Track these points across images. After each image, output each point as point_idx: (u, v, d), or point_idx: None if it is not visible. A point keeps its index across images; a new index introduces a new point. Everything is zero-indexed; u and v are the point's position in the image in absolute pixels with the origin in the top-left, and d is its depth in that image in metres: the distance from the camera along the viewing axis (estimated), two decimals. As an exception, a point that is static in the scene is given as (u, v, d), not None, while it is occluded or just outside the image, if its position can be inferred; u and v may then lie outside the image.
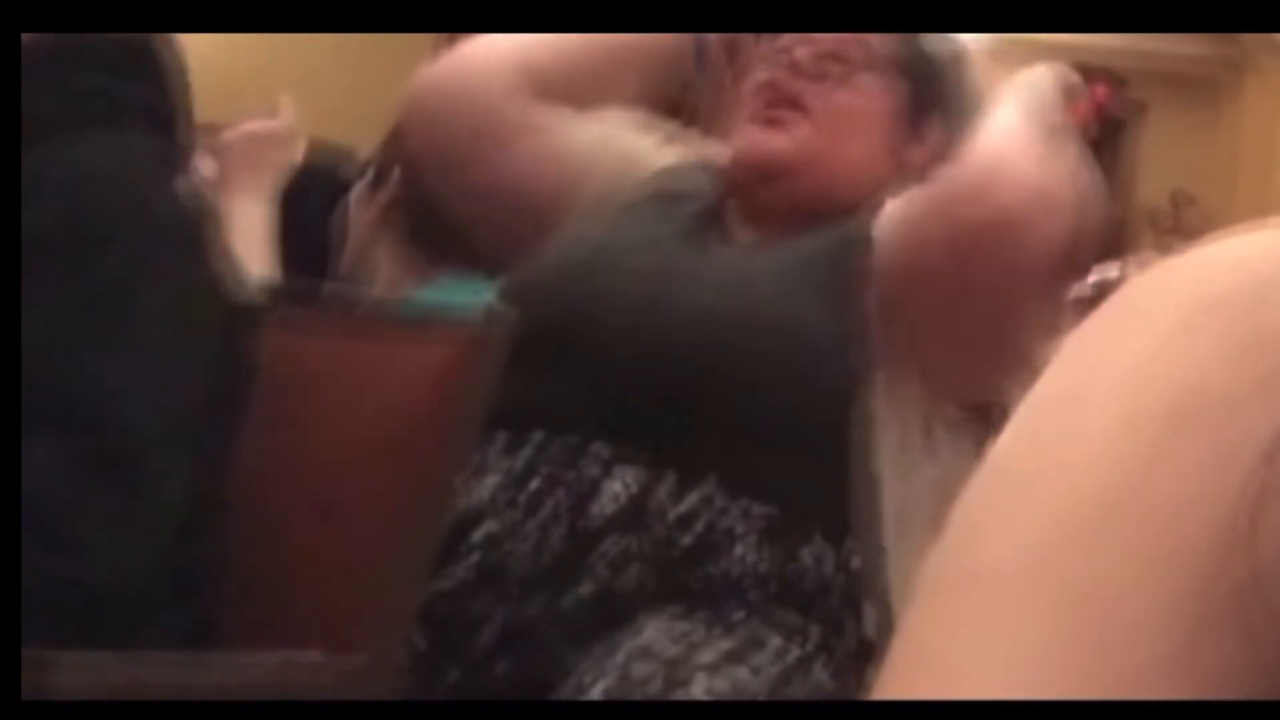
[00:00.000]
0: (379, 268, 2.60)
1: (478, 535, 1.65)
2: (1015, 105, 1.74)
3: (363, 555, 1.61)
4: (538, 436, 1.67)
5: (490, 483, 1.66)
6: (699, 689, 1.55)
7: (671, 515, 1.62)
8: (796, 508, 1.65)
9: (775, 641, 1.62)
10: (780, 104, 1.80)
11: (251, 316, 1.65)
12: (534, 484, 1.65)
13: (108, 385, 1.49)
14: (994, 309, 1.68)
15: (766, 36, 1.86)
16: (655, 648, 1.57)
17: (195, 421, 1.55)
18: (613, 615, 1.61)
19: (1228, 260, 0.44)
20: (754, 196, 1.81)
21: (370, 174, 2.65)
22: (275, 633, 1.58)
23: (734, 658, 1.58)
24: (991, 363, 1.68)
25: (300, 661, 1.53)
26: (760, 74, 1.83)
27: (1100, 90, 12.26)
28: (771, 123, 1.80)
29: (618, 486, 1.63)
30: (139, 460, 1.49)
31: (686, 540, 1.61)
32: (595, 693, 1.55)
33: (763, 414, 1.66)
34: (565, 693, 1.57)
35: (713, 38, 1.91)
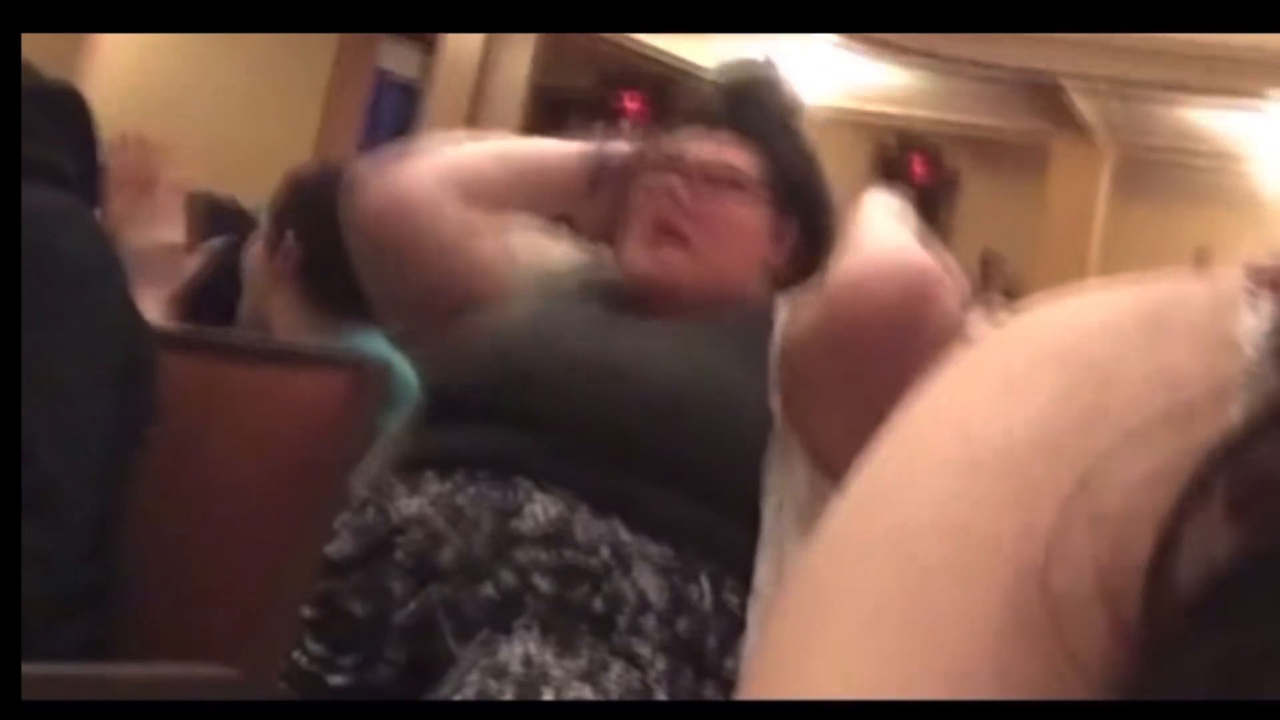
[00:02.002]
0: (276, 320, 2.66)
1: (403, 539, 1.78)
2: (881, 213, 1.96)
3: (250, 573, 1.69)
4: (464, 471, 1.83)
5: (420, 501, 1.80)
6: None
7: (582, 538, 1.78)
8: (689, 549, 1.80)
9: (618, 667, 1.75)
10: (662, 233, 2.05)
11: (153, 356, 1.76)
12: (461, 499, 1.79)
13: (21, 423, 1.55)
14: (886, 393, 1.78)
15: (650, 164, 2.09)
16: (509, 668, 1.71)
17: (100, 454, 1.63)
18: (503, 617, 1.76)
19: (1062, 318, 0.47)
20: (646, 302, 2.02)
21: (266, 232, 2.72)
22: (165, 647, 1.66)
23: (581, 676, 1.71)
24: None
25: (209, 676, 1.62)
26: (643, 201, 2.07)
27: (916, 160, 12.59)
28: (656, 252, 2.04)
29: (538, 509, 1.78)
30: (47, 492, 1.57)
31: (592, 562, 1.77)
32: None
33: (662, 464, 1.82)
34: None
35: (614, 158, 2.12)
